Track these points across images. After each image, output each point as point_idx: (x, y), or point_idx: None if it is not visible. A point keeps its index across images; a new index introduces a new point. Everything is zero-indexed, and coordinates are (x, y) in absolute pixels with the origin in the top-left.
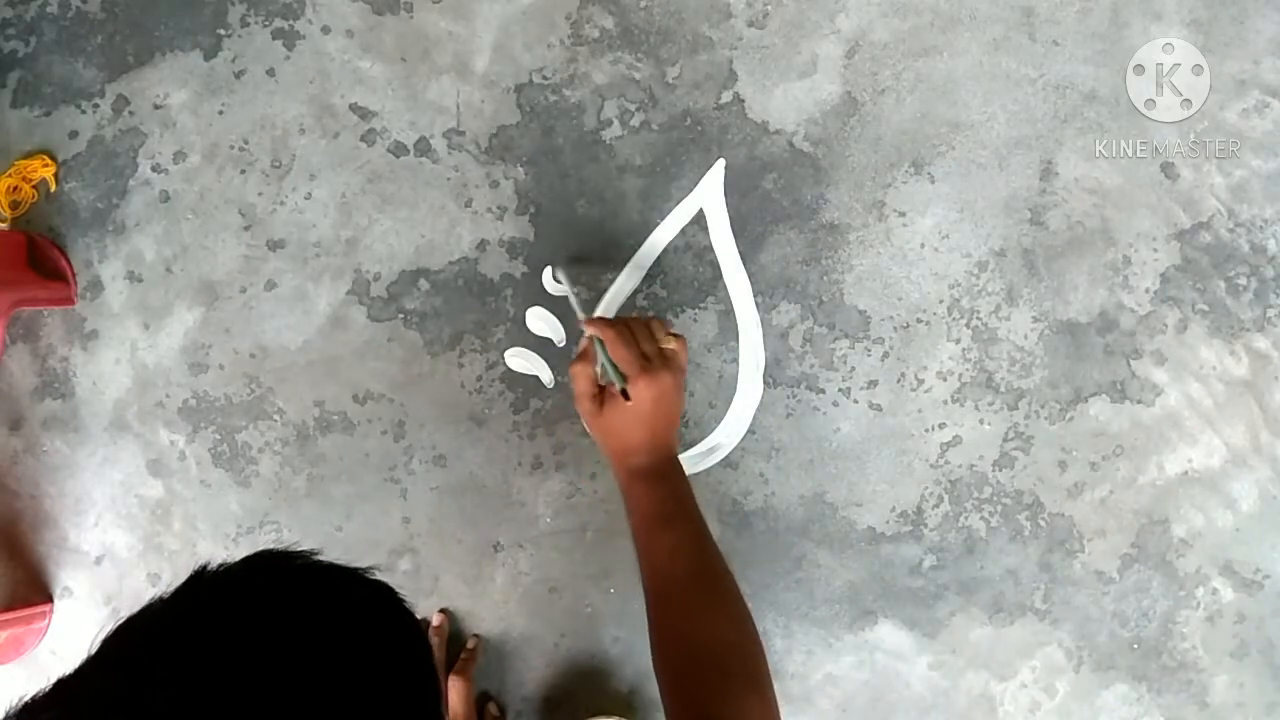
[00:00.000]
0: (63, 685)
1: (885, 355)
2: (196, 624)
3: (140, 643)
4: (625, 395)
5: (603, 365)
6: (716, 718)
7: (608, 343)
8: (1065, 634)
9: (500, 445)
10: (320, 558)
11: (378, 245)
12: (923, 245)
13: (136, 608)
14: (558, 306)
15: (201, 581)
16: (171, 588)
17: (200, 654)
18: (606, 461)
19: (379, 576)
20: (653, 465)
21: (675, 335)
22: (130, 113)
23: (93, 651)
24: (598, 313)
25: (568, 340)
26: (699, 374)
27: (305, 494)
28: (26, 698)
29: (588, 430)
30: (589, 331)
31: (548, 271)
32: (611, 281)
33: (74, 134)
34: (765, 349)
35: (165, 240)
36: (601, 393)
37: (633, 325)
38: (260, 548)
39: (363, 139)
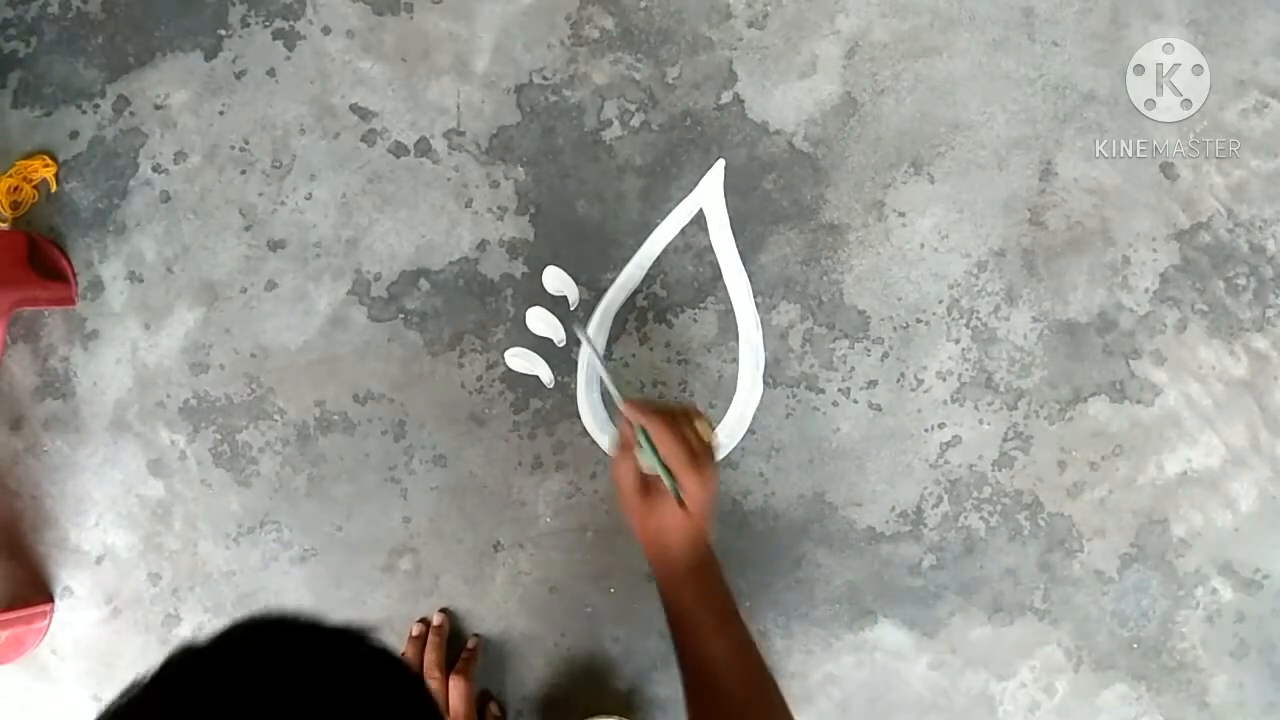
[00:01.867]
0: None
1: (885, 355)
2: (179, 714)
3: None
4: (675, 493)
5: (649, 460)
6: None
7: (654, 435)
8: (1065, 634)
9: (500, 445)
10: (316, 622)
11: (378, 245)
12: (922, 245)
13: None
14: (558, 307)
15: (181, 664)
16: (150, 672)
17: None
18: (645, 559)
19: (382, 645)
20: (699, 561)
21: (708, 421)
22: (131, 113)
23: None
24: (596, 314)
25: (567, 340)
26: (699, 374)
27: (306, 494)
28: None
29: (629, 522)
30: (633, 418)
31: (548, 271)
32: (611, 281)
33: (75, 134)
34: (765, 349)
35: (166, 240)
36: (646, 485)
37: (676, 415)
38: (260, 547)
39: (363, 139)
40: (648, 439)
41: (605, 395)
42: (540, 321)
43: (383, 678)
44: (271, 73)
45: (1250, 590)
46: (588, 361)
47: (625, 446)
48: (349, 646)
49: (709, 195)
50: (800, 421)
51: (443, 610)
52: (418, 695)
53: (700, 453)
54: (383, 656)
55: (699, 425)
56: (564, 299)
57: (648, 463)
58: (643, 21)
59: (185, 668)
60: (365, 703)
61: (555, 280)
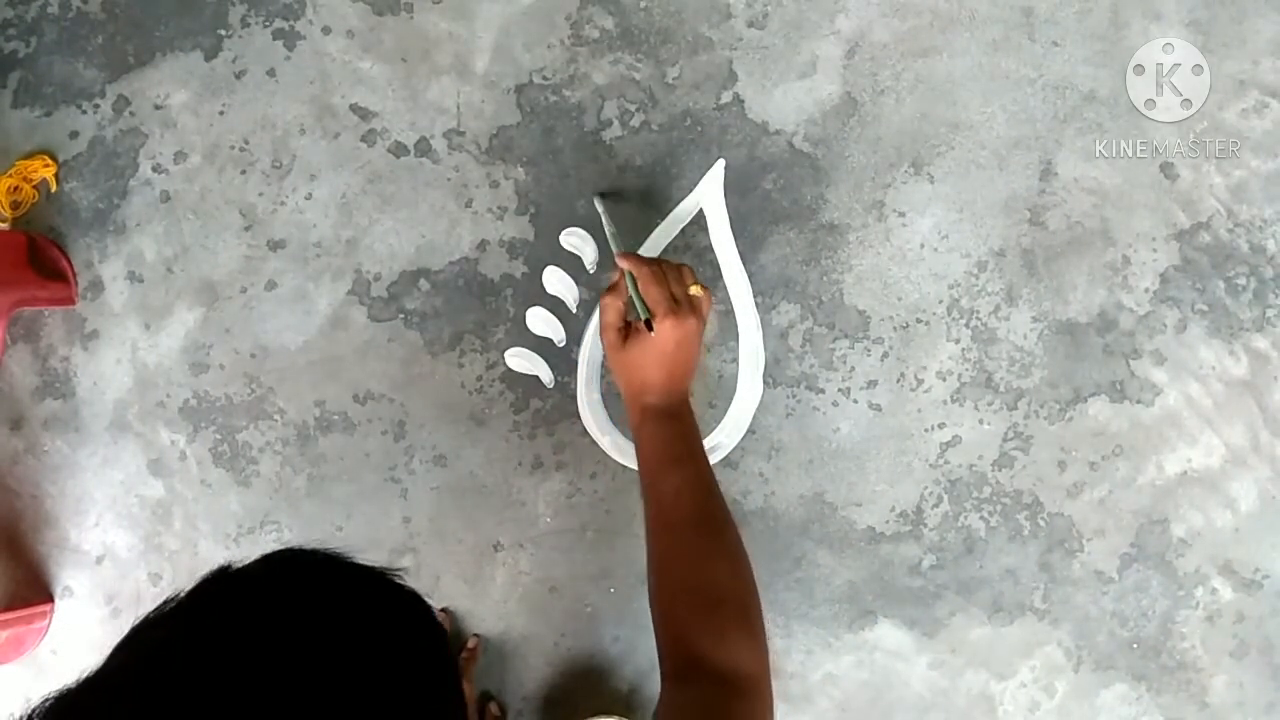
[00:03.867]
0: (80, 694)
1: (885, 355)
2: (214, 623)
3: (158, 644)
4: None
5: (631, 300)
6: (705, 654)
7: (640, 280)
8: (1064, 634)
9: (500, 445)
10: (341, 555)
11: (378, 245)
12: (922, 245)
13: (149, 607)
14: (558, 307)
15: (219, 580)
16: (187, 588)
17: (219, 654)
18: (622, 397)
19: (404, 580)
20: (666, 406)
21: (702, 285)
22: (131, 113)
23: (111, 653)
24: (598, 312)
25: (567, 340)
26: (699, 374)
27: (306, 494)
28: (43, 699)
29: (608, 363)
30: (623, 266)
31: (548, 271)
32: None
33: (74, 134)
34: (765, 349)
35: (166, 240)
36: (627, 327)
37: (665, 267)
38: (260, 547)
39: (363, 139)
40: (634, 284)
41: (605, 398)
42: (540, 321)
43: (404, 613)
44: (271, 73)
45: (1250, 590)
46: (588, 360)
47: (614, 289)
48: (375, 582)
49: (709, 195)
50: (800, 421)
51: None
52: (435, 632)
53: (681, 301)
54: (404, 593)
55: (687, 279)
56: (562, 302)
57: (633, 309)
58: (643, 21)
59: (220, 589)
60: (387, 634)
61: (555, 280)
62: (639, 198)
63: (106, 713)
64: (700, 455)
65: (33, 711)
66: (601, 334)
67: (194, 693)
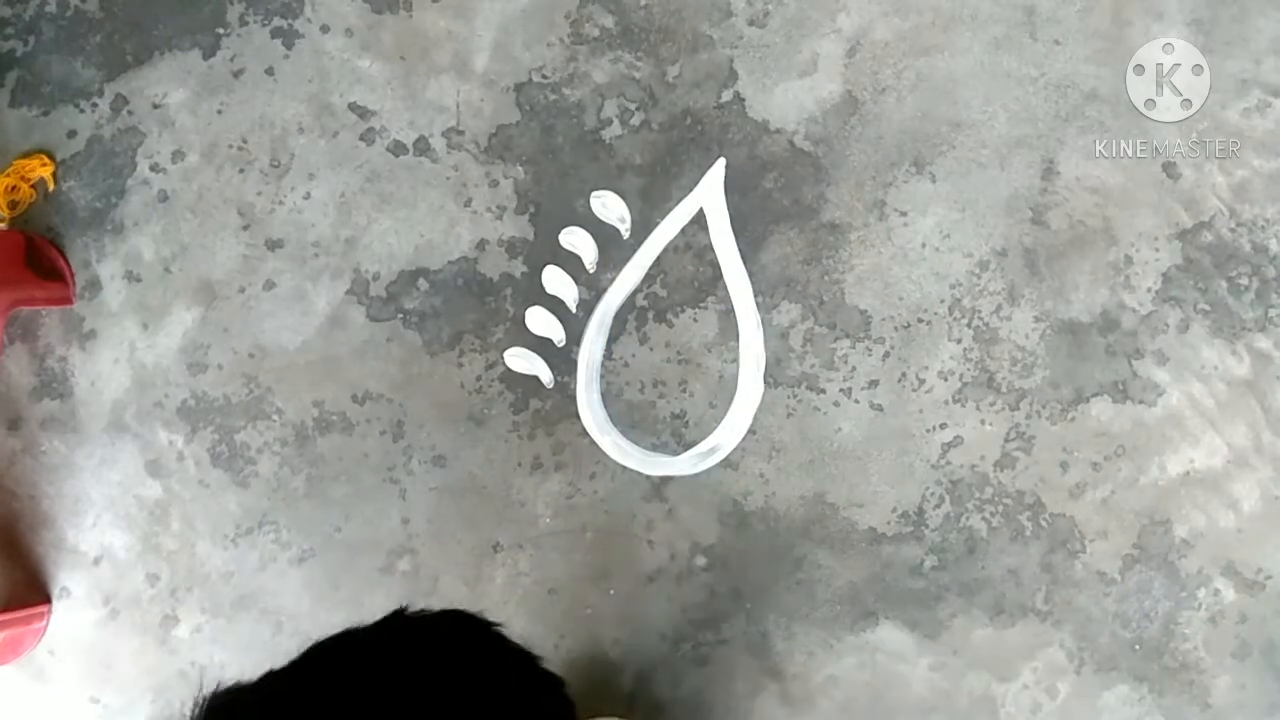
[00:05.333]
0: (264, 685)
1: (886, 355)
2: (392, 659)
3: (340, 662)
4: None
5: None
6: None
7: None
8: (1067, 635)
9: (500, 445)
10: (505, 632)
11: (377, 245)
12: (924, 245)
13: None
14: (558, 307)
15: (402, 622)
16: (367, 623)
17: (390, 686)
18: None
19: (552, 669)
20: None
21: None
22: (129, 112)
23: (296, 659)
24: (596, 314)
25: (567, 340)
26: (699, 374)
27: (304, 494)
28: (227, 690)
29: None
30: None
31: (548, 271)
32: (611, 282)
33: (72, 133)
34: (765, 349)
35: (164, 240)
36: None
37: None
38: (259, 548)
39: (362, 138)
40: None
41: (604, 398)
42: (540, 321)
43: (550, 695)
44: (270, 71)
45: (1253, 591)
46: (588, 360)
47: None
48: (530, 661)
49: (709, 195)
50: (801, 422)
51: None
52: (572, 715)
53: None
54: (553, 679)
55: None
56: (561, 302)
57: None
58: (643, 20)
59: (402, 630)
60: (536, 707)
61: (555, 280)
62: (639, 198)
63: (284, 707)
64: None
65: (218, 694)
66: None
67: (362, 705)
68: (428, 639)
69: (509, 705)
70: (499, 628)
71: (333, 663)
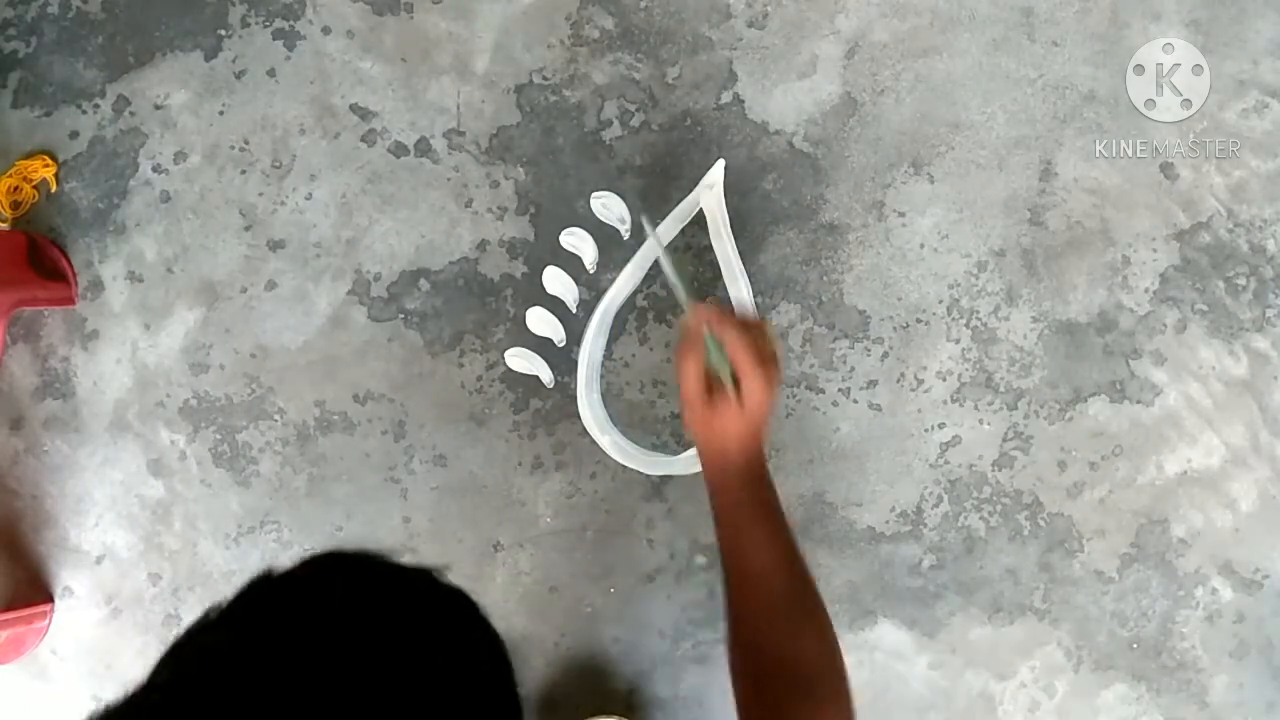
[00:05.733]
0: (128, 703)
1: (885, 355)
2: (260, 630)
3: (203, 654)
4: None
5: (709, 354)
6: None
7: (725, 337)
8: (1065, 634)
9: (500, 445)
10: (384, 556)
11: (378, 245)
12: (922, 245)
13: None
14: (558, 307)
15: (262, 586)
16: (228, 598)
17: (267, 662)
18: (701, 461)
19: (449, 580)
20: (751, 469)
21: (773, 330)
22: (131, 113)
23: (155, 666)
24: (596, 314)
25: (567, 340)
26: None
27: (305, 494)
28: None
29: (687, 428)
30: (701, 319)
31: (548, 271)
32: (611, 282)
33: (75, 134)
34: None
35: (166, 240)
36: (709, 386)
37: (747, 322)
38: (260, 547)
39: (363, 139)
40: (715, 343)
41: (604, 398)
42: (540, 321)
43: (452, 612)
44: (271, 73)
45: (1250, 590)
46: (588, 360)
47: (691, 347)
48: (421, 582)
49: (709, 195)
50: (800, 421)
51: None
52: (487, 632)
53: (766, 358)
54: (451, 592)
55: (768, 332)
56: (562, 302)
57: (713, 365)
58: (643, 21)
59: (264, 595)
60: (436, 634)
61: (555, 280)
62: (639, 198)
63: None
64: (786, 525)
65: None
66: (684, 402)
67: (243, 704)
68: (299, 597)
69: (408, 641)
70: (383, 557)
71: (200, 663)
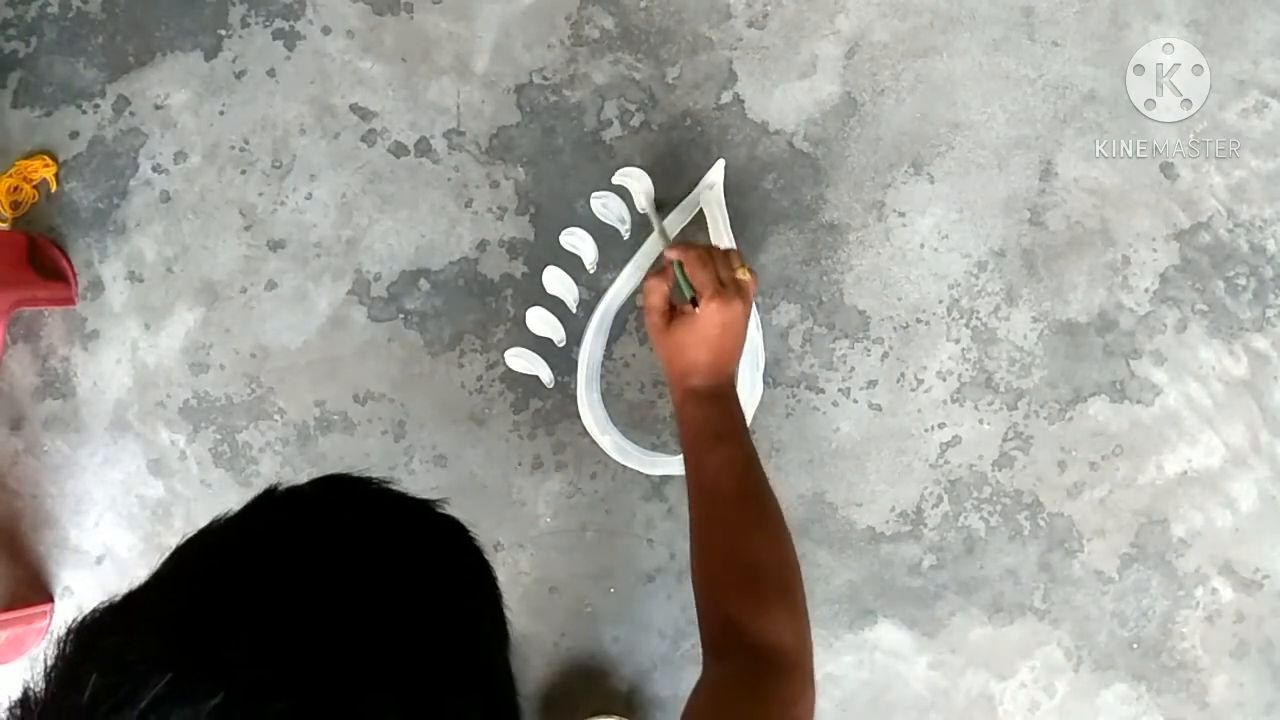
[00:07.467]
0: (128, 601)
1: (885, 355)
2: (265, 542)
3: (205, 551)
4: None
5: (678, 284)
6: (744, 628)
7: (686, 262)
8: (1065, 634)
9: (500, 445)
10: (388, 483)
11: (378, 245)
12: (922, 245)
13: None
14: (558, 307)
15: (270, 500)
16: (235, 510)
17: (268, 572)
18: (666, 378)
19: (448, 510)
20: (710, 388)
21: (749, 269)
22: (131, 113)
23: (158, 568)
24: (596, 314)
25: (567, 340)
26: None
27: None
28: (91, 612)
29: (652, 345)
30: (671, 256)
31: (548, 271)
32: (611, 282)
33: (75, 134)
34: (765, 349)
35: (166, 240)
36: (672, 310)
37: (713, 252)
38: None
39: (363, 139)
40: (681, 270)
41: (604, 398)
42: (540, 321)
43: (448, 538)
44: (271, 73)
45: (1250, 590)
46: (588, 360)
47: (661, 273)
48: (421, 509)
49: (709, 195)
50: (800, 421)
51: None
52: (477, 557)
53: (727, 283)
54: (449, 521)
55: (734, 263)
56: (562, 302)
57: (679, 292)
58: (643, 21)
59: (270, 505)
60: (431, 557)
61: (555, 280)
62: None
63: (151, 617)
64: (743, 433)
65: (83, 619)
66: (646, 315)
67: (238, 600)
68: (303, 507)
69: (403, 564)
70: (386, 483)
71: (202, 559)
